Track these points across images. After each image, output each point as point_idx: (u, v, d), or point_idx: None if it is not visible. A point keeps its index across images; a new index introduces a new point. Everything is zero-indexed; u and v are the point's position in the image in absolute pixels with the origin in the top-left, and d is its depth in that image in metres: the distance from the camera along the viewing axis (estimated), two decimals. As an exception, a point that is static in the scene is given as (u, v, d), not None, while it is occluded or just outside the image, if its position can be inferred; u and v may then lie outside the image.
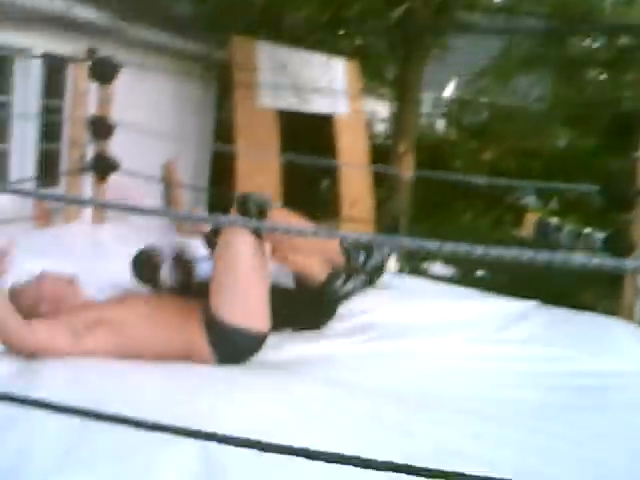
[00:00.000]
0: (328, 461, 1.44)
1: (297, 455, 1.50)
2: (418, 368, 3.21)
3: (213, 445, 1.95)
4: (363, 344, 3.47)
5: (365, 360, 3.25)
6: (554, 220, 12.03)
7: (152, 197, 8.62)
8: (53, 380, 2.53)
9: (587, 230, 11.25)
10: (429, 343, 3.53)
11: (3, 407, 1.99)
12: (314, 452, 1.45)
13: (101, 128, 5.87)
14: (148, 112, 7.61)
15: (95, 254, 4.88)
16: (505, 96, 13.07)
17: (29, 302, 3.01)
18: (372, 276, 4.21)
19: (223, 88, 10.06)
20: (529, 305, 4.42)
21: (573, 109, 12.71)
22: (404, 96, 9.53)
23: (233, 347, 2.94)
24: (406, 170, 9.10)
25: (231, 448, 1.79)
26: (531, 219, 12.17)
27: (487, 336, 3.73)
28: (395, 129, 9.91)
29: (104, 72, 5.67)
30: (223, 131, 9.71)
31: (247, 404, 2.50)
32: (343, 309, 3.85)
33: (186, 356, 2.89)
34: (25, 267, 3.74)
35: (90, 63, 5.66)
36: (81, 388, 2.49)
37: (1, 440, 2.12)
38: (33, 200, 6.36)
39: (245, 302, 2.93)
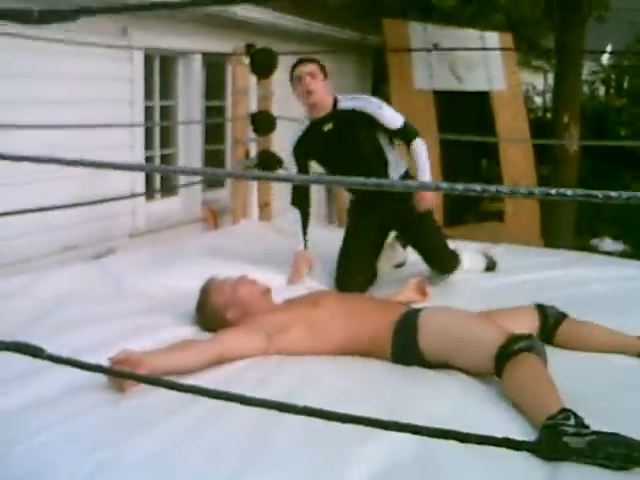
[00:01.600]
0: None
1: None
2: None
3: (401, 440, 2.04)
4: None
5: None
6: None
7: (316, 189, 8.61)
8: (244, 379, 2.63)
9: None
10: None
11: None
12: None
13: (264, 124, 5.86)
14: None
15: (266, 252, 4.85)
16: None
17: (221, 300, 3.17)
18: None
19: (378, 73, 9.93)
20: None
21: None
22: (565, 64, 9.05)
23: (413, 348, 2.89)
24: (571, 142, 8.68)
25: (413, 443, 2.00)
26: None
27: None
28: (557, 100, 9.42)
29: (263, 64, 5.65)
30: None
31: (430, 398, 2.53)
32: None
33: (366, 351, 2.96)
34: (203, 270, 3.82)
35: (249, 57, 5.65)
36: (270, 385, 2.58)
37: (193, 437, 2.17)
38: (201, 203, 6.43)
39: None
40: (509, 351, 2.54)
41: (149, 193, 5.93)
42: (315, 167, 4.56)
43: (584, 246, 9.80)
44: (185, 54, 6.08)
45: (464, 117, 9.52)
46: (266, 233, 5.71)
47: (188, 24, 5.74)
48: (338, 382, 2.64)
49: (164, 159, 6.19)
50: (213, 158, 6.78)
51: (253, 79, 5.99)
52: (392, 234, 4.71)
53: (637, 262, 5.15)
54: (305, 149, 4.38)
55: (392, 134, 4.28)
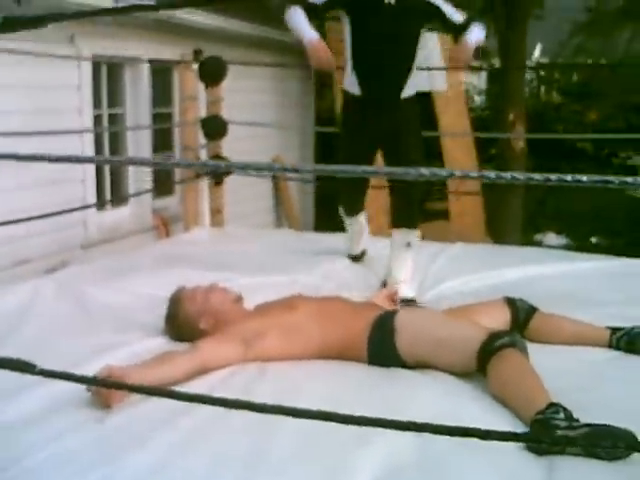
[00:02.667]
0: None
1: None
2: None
3: (400, 442, 2.06)
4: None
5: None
6: (672, 176, 11.50)
7: (264, 195, 8.60)
8: (227, 388, 2.57)
9: None
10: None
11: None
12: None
13: (214, 129, 5.81)
14: (252, 109, 7.53)
15: (226, 257, 4.81)
16: (603, 53, 12.58)
17: (193, 309, 3.11)
18: None
19: (321, 76, 9.93)
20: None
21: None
22: (509, 62, 9.17)
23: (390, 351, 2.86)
24: (518, 140, 8.80)
25: (413, 445, 2.01)
26: (646, 177, 11.66)
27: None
28: (502, 98, 9.54)
29: (212, 72, 5.59)
30: (324, 120, 9.60)
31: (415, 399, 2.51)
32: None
33: (341, 354, 2.92)
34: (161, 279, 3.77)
35: (198, 64, 5.60)
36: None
37: (190, 448, 2.13)
38: (152, 211, 6.35)
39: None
40: (492, 348, 2.54)
41: (100, 203, 5.82)
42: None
43: (529, 241, 9.98)
44: (132, 61, 5.98)
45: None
46: (219, 240, 5.66)
47: (135, 30, 5.66)
48: (321, 389, 2.60)
49: (113, 167, 6.08)
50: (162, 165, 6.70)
51: (201, 85, 5.93)
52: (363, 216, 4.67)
53: (585, 255, 5.25)
54: (343, 4, 3.94)
55: (449, 27, 4.02)
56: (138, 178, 6.21)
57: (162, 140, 6.72)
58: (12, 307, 3.66)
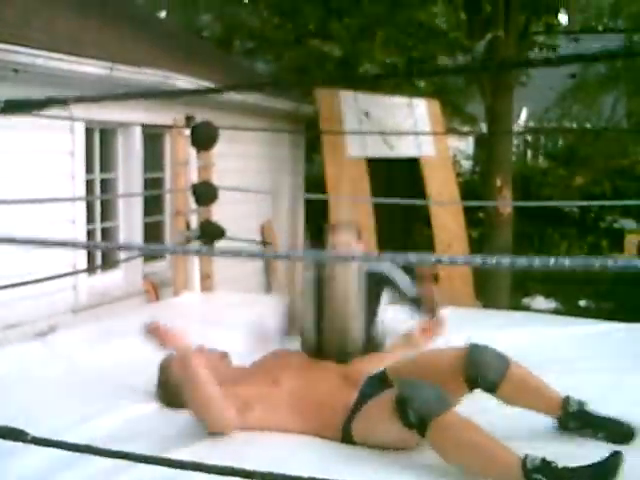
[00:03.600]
0: None
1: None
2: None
3: None
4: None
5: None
6: (658, 240, 11.64)
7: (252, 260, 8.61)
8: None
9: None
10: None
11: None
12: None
13: (205, 194, 5.85)
14: (243, 174, 7.59)
15: (216, 322, 4.80)
16: (588, 118, 12.83)
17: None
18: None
19: (311, 142, 10.06)
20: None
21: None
22: (495, 129, 9.31)
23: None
24: (505, 205, 8.88)
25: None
26: (632, 240, 11.78)
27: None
28: (489, 164, 9.66)
29: (204, 137, 5.65)
30: (314, 185, 9.69)
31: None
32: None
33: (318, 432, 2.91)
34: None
35: (190, 130, 5.66)
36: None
37: None
38: (142, 276, 6.36)
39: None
40: (416, 422, 2.51)
41: (90, 267, 5.82)
42: None
43: (517, 305, 10.00)
44: (125, 126, 6.05)
45: (396, 183, 9.71)
46: (209, 304, 5.66)
47: (127, 96, 5.73)
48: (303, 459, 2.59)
49: (105, 232, 6.11)
50: (153, 230, 6.72)
51: (193, 150, 5.99)
52: None
53: (575, 319, 5.28)
54: None
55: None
56: (130, 241, 6.23)
57: (153, 204, 6.76)
58: (2, 372, 3.64)
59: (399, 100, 10.05)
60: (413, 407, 2.50)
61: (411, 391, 2.57)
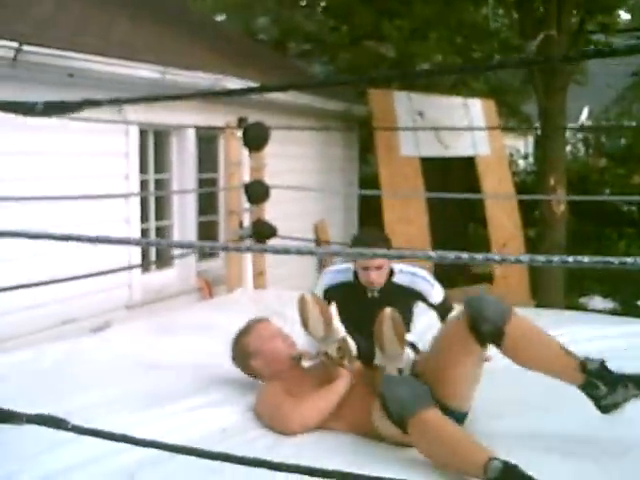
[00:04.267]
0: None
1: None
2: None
3: None
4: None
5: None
6: None
7: (307, 258, 8.69)
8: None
9: None
10: None
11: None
12: None
13: (257, 193, 5.95)
14: (297, 174, 7.69)
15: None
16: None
17: (253, 344, 3.34)
18: None
19: (365, 142, 10.11)
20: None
21: None
22: (548, 128, 9.26)
23: None
24: (558, 204, 8.83)
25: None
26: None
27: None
28: (542, 163, 9.61)
29: (256, 138, 5.75)
30: (368, 185, 9.73)
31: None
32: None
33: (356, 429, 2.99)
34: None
35: (242, 130, 5.76)
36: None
37: None
38: (196, 274, 6.49)
39: None
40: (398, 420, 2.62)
41: (145, 265, 5.98)
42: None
43: (574, 305, 9.89)
44: (178, 128, 6.20)
45: (451, 182, 9.70)
46: (262, 301, 5.74)
47: (181, 98, 5.87)
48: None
49: (159, 231, 6.26)
50: (207, 229, 6.87)
51: (245, 151, 6.10)
52: None
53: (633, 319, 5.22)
54: (335, 299, 3.75)
55: (431, 306, 4.00)
56: (184, 240, 6.37)
57: (208, 204, 6.91)
58: (55, 366, 3.78)
59: (454, 100, 10.05)
60: (392, 406, 2.63)
61: (389, 389, 2.70)
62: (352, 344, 3.17)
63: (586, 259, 1.40)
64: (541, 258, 1.46)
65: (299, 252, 2.08)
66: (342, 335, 3.09)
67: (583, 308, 10.24)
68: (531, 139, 17.00)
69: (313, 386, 3.08)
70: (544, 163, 9.43)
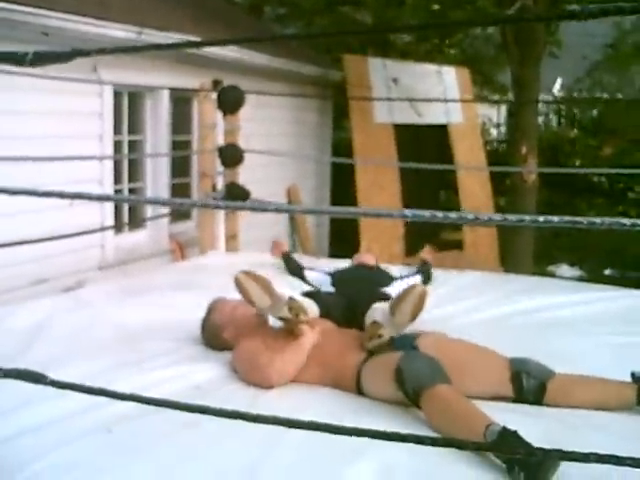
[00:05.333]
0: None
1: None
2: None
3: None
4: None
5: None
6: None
7: (279, 222, 8.72)
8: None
9: None
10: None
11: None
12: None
13: (231, 157, 5.96)
14: (270, 138, 7.69)
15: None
16: (619, 88, 12.68)
17: (220, 319, 3.43)
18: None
19: (339, 108, 10.11)
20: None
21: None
22: (521, 98, 9.32)
23: None
24: (529, 173, 8.91)
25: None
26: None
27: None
28: (515, 132, 9.67)
29: (231, 101, 5.75)
30: (341, 151, 9.76)
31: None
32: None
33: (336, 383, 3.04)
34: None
35: (217, 93, 5.76)
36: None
37: (194, 459, 2.25)
38: (168, 236, 6.50)
39: None
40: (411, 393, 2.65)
41: (117, 226, 5.98)
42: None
43: (542, 273, 10.03)
44: (153, 90, 6.17)
45: (423, 150, 9.73)
46: (235, 264, 5.76)
47: (155, 60, 5.85)
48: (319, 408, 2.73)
49: (132, 193, 6.26)
50: (180, 191, 6.87)
51: (219, 114, 6.10)
52: None
53: (598, 286, 5.30)
54: None
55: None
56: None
57: (180, 166, 6.90)
58: (28, 324, 3.79)
59: (428, 67, 10.08)
60: (409, 379, 2.64)
61: (408, 363, 2.70)
62: (305, 302, 3.27)
63: (556, 219, 1.44)
64: (513, 217, 1.48)
65: (277, 210, 2.12)
66: (288, 296, 3.15)
67: (551, 276, 10.38)
68: (504, 108, 17.06)
69: (280, 341, 3.12)
70: (516, 132, 9.49)
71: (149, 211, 6.25)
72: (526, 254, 9.46)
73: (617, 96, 13.12)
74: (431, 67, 10.09)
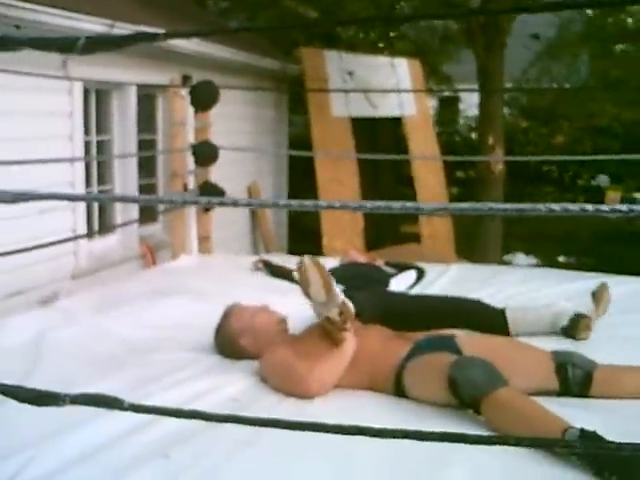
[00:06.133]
0: None
1: None
2: None
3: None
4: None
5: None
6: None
7: (240, 221, 8.52)
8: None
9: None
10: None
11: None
12: None
13: (205, 155, 5.73)
14: (231, 135, 7.44)
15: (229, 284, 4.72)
16: (567, 77, 12.80)
17: (236, 325, 3.24)
18: None
19: (292, 102, 9.94)
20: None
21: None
22: (488, 87, 9.27)
23: None
24: (497, 163, 8.88)
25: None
26: (613, 197, 11.87)
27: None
28: (481, 122, 9.64)
29: (205, 97, 5.51)
30: (296, 146, 9.61)
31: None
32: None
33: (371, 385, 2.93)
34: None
35: (189, 89, 5.52)
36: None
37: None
38: (139, 240, 6.24)
39: None
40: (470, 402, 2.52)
41: (90, 232, 5.68)
42: None
43: (500, 262, 10.06)
44: (120, 86, 5.86)
45: (380, 142, 9.68)
46: (211, 266, 5.55)
47: (122, 55, 5.54)
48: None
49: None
50: (146, 192, 6.54)
51: (190, 110, 5.83)
52: None
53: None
54: None
55: None
56: (125, 205, 6.06)
57: (145, 167, 6.58)
58: (19, 341, 3.52)
59: (382, 60, 10.02)
60: (465, 388, 2.51)
61: (461, 372, 2.56)
62: (351, 306, 3.08)
63: (514, 206, 1.40)
64: (465, 206, 1.47)
65: (262, 205, 1.93)
66: (342, 299, 2.96)
67: (508, 264, 10.42)
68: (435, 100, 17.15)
69: (317, 348, 2.92)
70: (484, 122, 9.46)
71: (119, 214, 5.96)
72: (482, 244, 9.52)
73: (565, 85, 13.27)
74: (384, 59, 10.03)
